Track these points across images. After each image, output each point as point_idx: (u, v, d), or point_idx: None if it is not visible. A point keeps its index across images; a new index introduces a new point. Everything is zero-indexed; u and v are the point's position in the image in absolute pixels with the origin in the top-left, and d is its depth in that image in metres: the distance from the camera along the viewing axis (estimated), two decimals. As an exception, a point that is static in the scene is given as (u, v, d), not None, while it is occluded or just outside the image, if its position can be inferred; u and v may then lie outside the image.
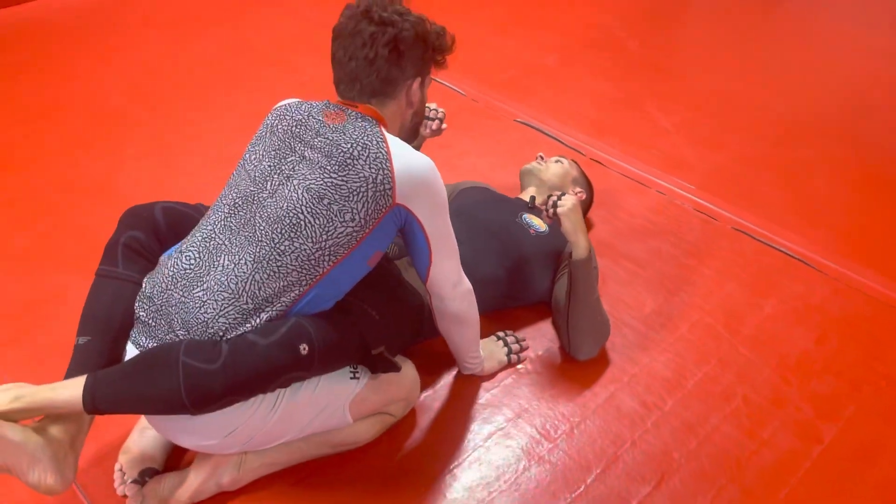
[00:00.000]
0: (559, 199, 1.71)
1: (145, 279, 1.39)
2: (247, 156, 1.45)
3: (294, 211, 1.33)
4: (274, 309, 1.31)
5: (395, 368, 1.47)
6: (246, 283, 1.30)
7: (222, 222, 1.38)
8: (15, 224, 2.21)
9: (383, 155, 1.35)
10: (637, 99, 2.99)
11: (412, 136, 1.58)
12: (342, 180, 1.33)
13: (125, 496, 1.44)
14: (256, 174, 1.40)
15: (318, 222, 1.33)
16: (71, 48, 3.29)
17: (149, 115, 2.79)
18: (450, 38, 1.53)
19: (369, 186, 1.33)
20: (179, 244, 1.41)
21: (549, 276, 1.90)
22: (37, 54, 3.24)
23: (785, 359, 1.82)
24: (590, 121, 2.82)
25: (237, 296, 1.30)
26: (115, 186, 2.39)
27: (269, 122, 1.47)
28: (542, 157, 2.19)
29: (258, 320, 1.30)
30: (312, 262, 1.33)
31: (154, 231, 1.46)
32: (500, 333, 1.84)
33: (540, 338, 1.87)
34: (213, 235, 1.37)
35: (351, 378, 1.46)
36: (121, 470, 1.48)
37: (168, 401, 1.21)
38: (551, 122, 2.80)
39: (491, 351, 1.77)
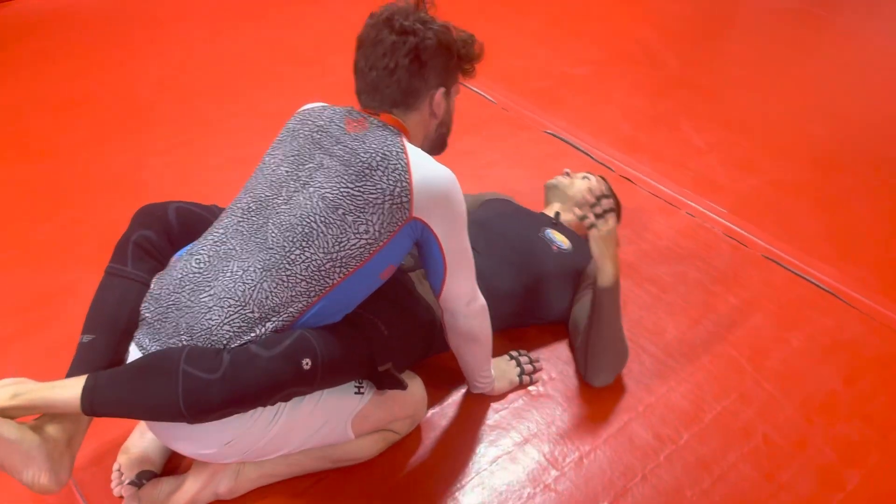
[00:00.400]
0: (601, 215, 1.60)
1: (154, 279, 1.36)
2: (266, 159, 1.42)
3: (308, 219, 1.30)
4: (280, 319, 1.28)
5: (402, 386, 1.43)
6: (253, 290, 1.28)
7: (235, 226, 1.35)
8: (35, 215, 2.22)
9: (402, 166, 1.31)
10: (671, 116, 2.91)
11: (438, 147, 1.54)
12: (359, 191, 1.30)
13: (121, 497, 1.43)
14: (273, 179, 1.37)
15: (331, 232, 1.29)
16: (105, 38, 3.32)
17: (176, 111, 2.79)
18: (478, 46, 1.49)
19: (386, 198, 1.30)
20: (191, 246, 1.38)
21: (569, 295, 1.84)
22: (72, 43, 3.28)
23: (810, 398, 1.75)
24: (621, 136, 2.75)
25: (244, 304, 1.27)
26: (136, 182, 2.39)
27: (290, 125, 1.44)
28: (568, 173, 2.13)
29: (263, 330, 1.27)
30: (323, 273, 1.29)
31: (166, 231, 1.44)
32: (514, 353, 1.79)
33: (555, 359, 1.81)
34: (224, 239, 1.34)
35: (355, 393, 1.43)
36: (119, 470, 1.46)
37: (166, 408, 1.19)
38: (582, 135, 2.74)
39: (503, 371, 1.72)
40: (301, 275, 1.29)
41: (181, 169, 2.46)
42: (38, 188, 2.35)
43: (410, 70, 1.38)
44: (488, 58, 3.20)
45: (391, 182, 1.30)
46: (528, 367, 1.76)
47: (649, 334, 1.90)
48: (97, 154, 2.52)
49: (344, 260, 1.30)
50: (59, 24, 3.46)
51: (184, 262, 1.34)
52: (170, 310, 1.30)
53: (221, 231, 1.36)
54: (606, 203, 1.60)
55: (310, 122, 1.41)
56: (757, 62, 3.45)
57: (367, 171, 1.31)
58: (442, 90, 1.44)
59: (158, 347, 1.27)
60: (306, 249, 1.29)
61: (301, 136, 1.40)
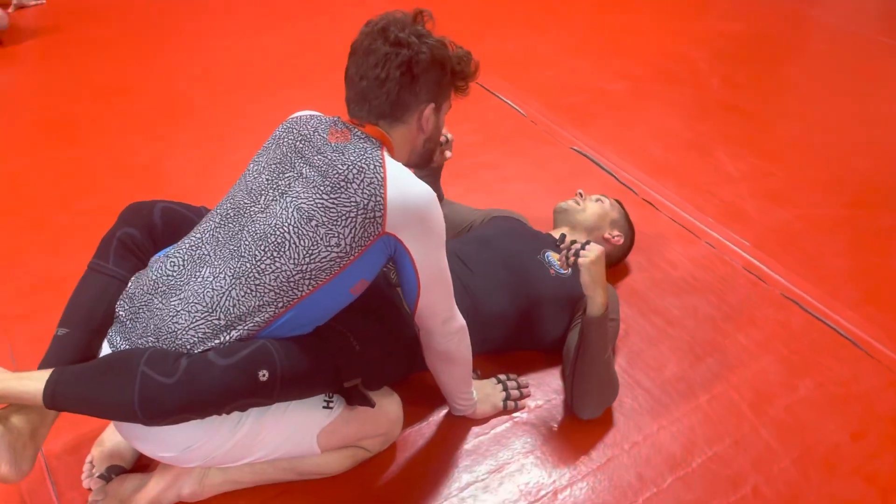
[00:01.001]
0: (583, 246, 1.58)
1: (132, 278, 1.38)
2: (250, 166, 1.42)
3: (281, 229, 1.29)
4: (246, 328, 1.27)
5: (370, 403, 1.41)
6: (222, 297, 1.27)
7: (211, 232, 1.35)
8: (60, 200, 2.29)
9: (378, 180, 1.29)
10: (706, 140, 2.81)
11: (424, 162, 1.51)
12: (333, 203, 1.29)
13: (90, 489, 1.44)
14: (253, 187, 1.37)
15: (302, 243, 1.28)
16: (155, 29, 3.40)
17: (208, 104, 2.84)
18: (474, 64, 1.46)
19: (359, 212, 1.28)
20: (170, 248, 1.39)
21: (564, 322, 1.79)
22: (123, 31, 3.37)
23: (810, 451, 1.65)
24: (650, 158, 2.67)
25: (211, 310, 1.27)
26: (160, 172, 2.44)
27: (277, 133, 1.44)
28: (580, 195, 2.07)
29: (228, 337, 1.26)
30: (292, 284, 1.28)
31: (150, 230, 1.45)
32: (502, 376, 1.75)
33: (544, 386, 1.76)
34: (200, 244, 1.34)
35: (324, 407, 1.41)
36: (91, 462, 1.48)
37: (122, 408, 1.20)
38: (609, 154, 2.67)
39: (487, 394, 1.68)
40: (270, 285, 1.28)
41: (204, 163, 2.50)
42: (65, 174, 2.42)
43: (401, 82, 1.35)
44: (523, 68, 3.18)
45: (365, 195, 1.28)
46: (515, 393, 1.71)
47: (648, 368, 1.83)
48: (126, 143, 2.58)
49: (313, 272, 1.28)
50: (115, 12, 3.56)
51: (160, 263, 1.35)
52: (141, 310, 1.31)
53: (199, 236, 1.36)
54: (581, 240, 1.59)
55: (295, 131, 1.40)
56: (811, 90, 3.30)
57: (342, 184, 1.29)
58: (432, 105, 1.41)
59: (128, 346, 1.28)
60: (277, 259, 1.28)
61: (285, 144, 1.39)
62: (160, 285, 1.32)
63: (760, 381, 1.82)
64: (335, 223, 1.28)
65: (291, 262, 1.28)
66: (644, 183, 2.53)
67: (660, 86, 3.18)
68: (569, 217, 2.01)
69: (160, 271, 1.33)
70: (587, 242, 1.58)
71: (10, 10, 3.42)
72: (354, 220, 1.28)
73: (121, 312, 1.33)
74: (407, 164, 1.46)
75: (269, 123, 1.44)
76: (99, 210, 2.23)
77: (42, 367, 1.30)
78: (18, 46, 3.18)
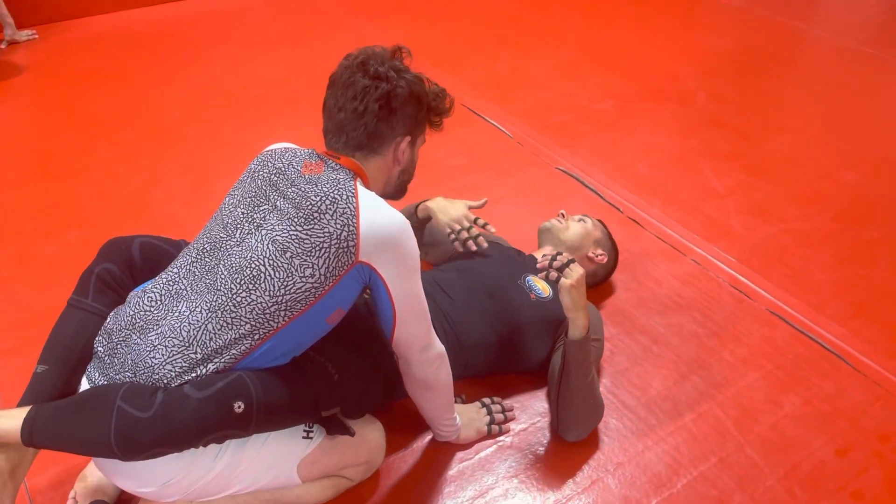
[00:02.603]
0: (566, 264, 1.57)
1: (111, 314, 1.39)
2: (226, 199, 1.44)
3: (256, 262, 1.31)
4: (222, 360, 1.28)
5: (349, 433, 1.42)
6: (198, 332, 1.28)
7: (188, 267, 1.37)
8: (46, 231, 2.31)
9: (351, 210, 1.31)
10: (692, 157, 2.82)
11: (398, 193, 1.53)
12: (306, 234, 1.30)
13: (73, 524, 1.45)
14: (228, 221, 1.39)
15: (277, 276, 1.29)
16: (139, 60, 3.44)
17: (197, 133, 2.86)
18: (448, 101, 1.50)
19: (332, 242, 1.29)
20: (148, 283, 1.40)
21: (548, 345, 1.79)
22: (111, 63, 3.41)
23: (796, 468, 1.64)
24: (636, 176, 2.68)
25: (187, 344, 1.28)
26: (147, 202, 2.46)
27: (252, 166, 1.46)
28: (563, 215, 2.08)
29: (204, 370, 1.27)
30: (267, 315, 1.29)
31: (129, 265, 1.47)
32: (487, 400, 1.75)
33: (529, 409, 1.76)
34: (177, 279, 1.36)
35: (303, 437, 1.42)
36: (74, 498, 1.49)
37: (98, 444, 1.20)
38: (595, 173, 2.68)
39: (471, 419, 1.68)
40: (246, 317, 1.29)
41: (191, 191, 2.52)
42: (53, 205, 2.44)
43: (379, 115, 1.38)
44: (510, 90, 3.20)
45: (338, 226, 1.29)
46: (499, 417, 1.72)
47: (632, 388, 1.83)
48: (115, 174, 2.61)
49: (289, 304, 1.30)
50: (106, 45, 3.60)
51: (137, 298, 1.36)
52: (119, 346, 1.32)
53: (175, 271, 1.37)
54: (562, 258, 1.57)
55: (269, 164, 1.42)
56: (798, 104, 3.32)
57: (315, 215, 1.31)
58: (408, 139, 1.44)
59: (106, 382, 1.29)
60: (252, 292, 1.29)
61: (259, 177, 1.41)
62: (137, 321, 1.33)
63: (746, 398, 1.82)
64: (309, 254, 1.30)
65: (267, 294, 1.29)
66: (630, 201, 2.54)
67: (647, 103, 3.20)
68: (552, 236, 2.02)
69: (137, 307, 1.35)
70: (571, 261, 1.58)
71: (2, 45, 3.47)
72: (328, 250, 1.30)
73: (99, 348, 1.34)
74: (382, 196, 1.48)
75: (257, 151, 1.46)
76: (85, 242, 2.24)
77: (21, 404, 1.31)
78: (9, 81, 3.22)
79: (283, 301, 1.29)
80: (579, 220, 2.06)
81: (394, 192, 1.52)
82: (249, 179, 1.43)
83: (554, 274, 1.55)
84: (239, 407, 1.23)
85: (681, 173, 2.72)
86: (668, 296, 2.13)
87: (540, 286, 1.85)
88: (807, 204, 2.58)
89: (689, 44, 3.78)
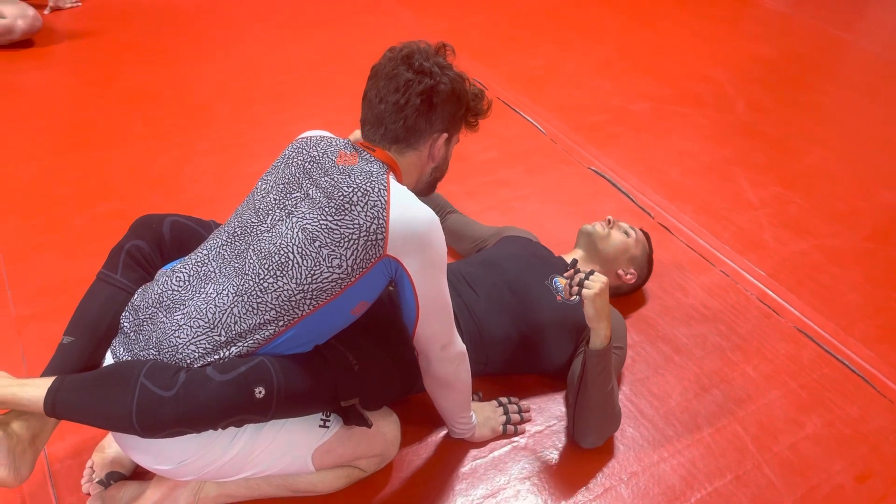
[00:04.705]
0: (587, 276, 1.56)
1: (139, 291, 1.40)
2: (259, 184, 1.44)
3: (285, 249, 1.31)
4: (246, 345, 1.29)
5: (366, 424, 1.42)
6: (224, 314, 1.29)
7: (217, 249, 1.37)
8: (77, 202, 2.33)
9: (382, 203, 1.30)
10: (728, 165, 2.78)
11: (429, 190, 1.53)
12: (336, 224, 1.30)
13: (88, 494, 1.47)
14: (261, 206, 1.39)
15: (305, 264, 1.30)
16: (179, 36, 3.45)
17: (230, 112, 2.87)
18: (486, 103, 1.49)
19: (361, 234, 1.29)
20: (177, 262, 1.41)
21: (569, 348, 1.78)
22: (150, 36, 3.42)
23: (813, 491, 1.62)
24: (669, 182, 2.65)
25: (212, 326, 1.28)
26: (178, 179, 2.47)
27: (287, 152, 1.46)
28: (609, 222, 2.01)
29: (228, 353, 1.28)
30: (293, 303, 1.30)
31: (158, 243, 1.48)
32: (504, 399, 1.74)
33: (546, 411, 1.76)
34: (206, 261, 1.36)
35: (320, 426, 1.42)
36: (91, 467, 1.51)
37: (119, 419, 1.21)
38: (628, 176, 2.65)
39: (487, 417, 1.68)
40: (271, 303, 1.29)
41: (221, 171, 2.53)
42: (85, 176, 2.46)
43: (419, 110, 1.38)
44: (546, 86, 3.17)
45: (368, 218, 1.29)
46: (516, 417, 1.71)
47: (652, 397, 1.81)
48: (148, 148, 2.62)
49: (315, 293, 1.30)
50: (148, 16, 3.61)
51: (166, 277, 1.37)
52: (145, 323, 1.33)
53: (205, 252, 1.38)
54: (583, 269, 1.55)
55: (304, 152, 1.42)
56: (840, 117, 3.24)
57: (346, 206, 1.30)
58: (444, 136, 1.43)
59: (130, 358, 1.30)
60: (280, 279, 1.30)
61: (294, 164, 1.41)
62: (165, 299, 1.34)
63: (766, 415, 1.79)
64: (338, 244, 1.30)
65: (294, 281, 1.29)
66: (661, 206, 2.51)
67: (683, 107, 3.15)
68: (590, 241, 1.98)
69: (165, 285, 1.35)
70: (591, 272, 1.57)
71: (45, 11, 3.49)
72: (357, 241, 1.30)
73: (125, 324, 1.35)
74: (413, 191, 1.48)
75: (288, 134, 1.45)
76: (116, 215, 2.28)
77: (45, 374, 1.33)
78: (51, 48, 3.25)
79: (310, 290, 1.30)
80: (623, 232, 2.00)
81: (424, 189, 1.52)
82: (283, 165, 1.43)
83: (575, 289, 1.53)
84: (260, 392, 1.24)
85: (714, 181, 2.68)
86: (694, 306, 2.10)
87: (563, 291, 1.83)
88: (841, 221, 2.53)
89: (730, 49, 3.72)
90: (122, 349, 1.33)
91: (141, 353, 1.30)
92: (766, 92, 3.34)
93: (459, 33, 3.60)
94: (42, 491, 1.50)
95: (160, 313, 1.32)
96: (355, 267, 1.30)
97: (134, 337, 1.33)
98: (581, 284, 1.54)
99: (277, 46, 3.41)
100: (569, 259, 1.96)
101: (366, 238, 1.30)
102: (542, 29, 3.77)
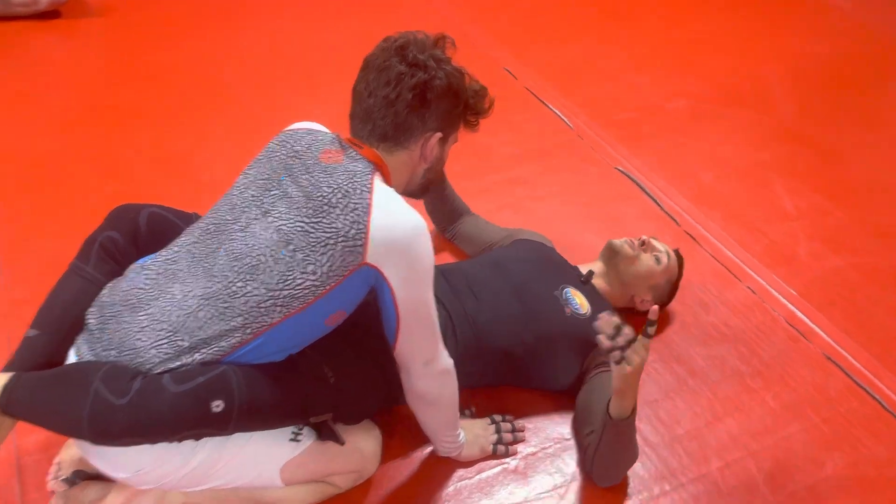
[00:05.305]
0: (629, 345, 1.30)
1: (108, 286, 1.33)
2: (240, 178, 1.36)
3: (258, 251, 1.23)
4: (210, 351, 1.21)
5: (339, 441, 1.33)
6: (188, 318, 1.21)
7: (188, 247, 1.30)
8: (85, 181, 2.29)
9: (363, 207, 1.21)
10: (764, 171, 2.59)
11: (420, 192, 1.43)
12: (313, 227, 1.21)
13: (53, 491, 1.42)
14: (238, 202, 1.31)
15: (278, 268, 1.21)
16: (209, 14, 3.38)
17: (252, 95, 2.79)
18: (489, 101, 1.37)
19: (339, 239, 1.20)
20: (149, 257, 1.34)
21: (575, 366, 1.66)
22: (175, 12, 3.36)
23: (828, 541, 1.49)
24: (700, 186, 2.49)
25: (175, 330, 1.21)
26: (192, 161, 2.41)
27: (271, 146, 1.37)
28: (643, 243, 1.82)
29: (191, 360, 1.20)
30: (262, 310, 1.21)
31: (133, 236, 1.41)
32: (497, 417, 1.64)
33: (542, 432, 1.65)
34: (177, 259, 1.29)
35: (291, 440, 1.34)
36: (58, 464, 1.45)
37: (71, 424, 1.16)
38: (656, 178, 2.50)
39: (476, 435, 1.57)
40: (239, 309, 1.21)
41: (234, 155, 2.42)
42: (97, 155, 2.42)
43: (411, 106, 1.28)
44: (578, 78, 3.00)
45: (347, 222, 1.20)
46: (508, 437, 1.60)
47: (659, 423, 1.69)
48: (163, 129, 2.57)
49: (286, 300, 1.21)
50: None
51: (134, 273, 1.31)
52: (110, 321, 1.26)
53: (176, 249, 1.31)
54: (627, 334, 1.30)
55: (288, 146, 1.33)
56: (894, 126, 3.01)
57: (325, 208, 1.21)
58: (439, 135, 1.32)
59: (92, 357, 1.24)
60: (249, 283, 1.21)
61: (276, 159, 1.32)
62: (131, 297, 1.27)
63: (784, 451, 1.65)
64: (313, 249, 1.21)
65: (264, 286, 1.21)
66: (689, 213, 2.35)
67: (723, 107, 2.96)
68: (613, 258, 1.82)
69: (133, 282, 1.29)
70: (632, 340, 1.31)
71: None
72: (334, 247, 1.21)
73: (90, 320, 1.29)
74: (403, 193, 1.38)
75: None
76: (124, 196, 2.18)
77: (7, 368, 1.28)
78: (77, 21, 3.21)
79: (281, 296, 1.21)
80: (654, 258, 1.82)
81: (416, 191, 1.42)
82: (266, 160, 1.34)
83: (618, 355, 1.30)
84: (218, 406, 1.16)
85: (749, 188, 2.51)
86: (714, 324, 1.96)
87: (578, 301, 1.71)
88: (884, 237, 2.34)
89: (780, 45, 3.48)
90: (85, 347, 1.26)
91: (103, 354, 1.23)
92: (815, 93, 3.12)
93: (491, 18, 3.46)
94: (7, 485, 1.45)
95: (125, 312, 1.25)
96: (331, 274, 1.21)
97: (98, 335, 1.26)
98: (624, 348, 1.30)
99: (308, 28, 3.32)
100: (584, 270, 1.83)
101: (344, 244, 1.20)
102: (580, 18, 3.60)
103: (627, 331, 1.30)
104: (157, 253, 1.33)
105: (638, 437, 1.64)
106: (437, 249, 2.08)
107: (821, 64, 3.37)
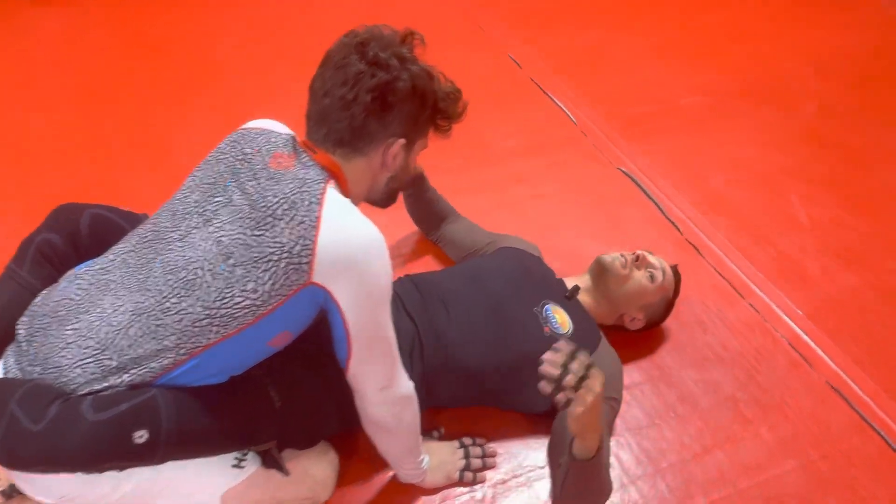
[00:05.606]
0: (580, 382, 1.17)
1: (42, 293, 1.24)
2: (186, 181, 1.25)
3: (195, 264, 1.12)
4: (140, 373, 1.11)
5: (282, 471, 1.24)
6: (116, 335, 1.12)
7: (123, 256, 1.20)
8: (58, 163, 2.21)
9: (311, 220, 1.10)
10: (781, 176, 2.43)
11: (386, 201, 1.31)
12: (255, 240, 1.10)
13: (-11, 505, 1.34)
14: (180, 208, 1.20)
15: (216, 284, 1.11)
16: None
17: (242, 72, 2.69)
18: (461, 104, 1.25)
19: (283, 255, 1.09)
20: (84, 264, 1.24)
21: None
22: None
23: None
24: (708, 191, 2.34)
25: (103, 348, 1.11)
26: (168, 144, 2.32)
27: (222, 145, 1.27)
28: (636, 258, 1.68)
29: (119, 381, 1.11)
30: (197, 329, 1.11)
31: (73, 239, 1.32)
32: (467, 440, 1.53)
33: (514, 458, 1.54)
34: (111, 268, 1.19)
35: (233, 465, 1.25)
36: (-5, 477, 1.38)
37: (-16, 447, 1.06)
38: (662, 181, 2.35)
39: (442, 461, 1.47)
40: (172, 327, 1.11)
41: (215, 139, 2.35)
42: (73, 133, 2.34)
43: (369, 109, 1.16)
44: (588, 69, 2.83)
45: (293, 237, 1.09)
46: (477, 463, 1.50)
47: (641, 452, 1.57)
48: (145, 107, 2.49)
49: (223, 319, 1.11)
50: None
51: (67, 282, 1.21)
52: (37, 334, 1.17)
53: (111, 257, 1.21)
54: (578, 366, 1.18)
55: (238, 147, 1.22)
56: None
57: (269, 220, 1.11)
58: (402, 142, 1.20)
59: (18, 372, 1.15)
60: (184, 299, 1.11)
61: (224, 161, 1.21)
62: (60, 309, 1.17)
63: (776, 491, 1.53)
64: (254, 265, 1.10)
65: (200, 303, 1.11)
66: (693, 220, 2.21)
67: (743, 104, 2.79)
68: (602, 275, 1.67)
69: (65, 293, 1.19)
70: (582, 378, 1.18)
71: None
72: (276, 263, 1.10)
73: (20, 331, 1.20)
74: (367, 202, 1.27)
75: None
76: (97, 180, 2.14)
77: (-69, 378, 1.19)
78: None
79: (217, 315, 1.11)
80: (648, 276, 1.68)
81: (381, 200, 1.30)
82: (214, 162, 1.24)
83: (563, 397, 1.19)
84: (141, 437, 1.07)
85: (762, 195, 2.35)
86: (711, 345, 1.83)
87: (558, 318, 1.58)
88: (908, 254, 2.18)
89: (810, 39, 3.28)
90: (12, 360, 1.17)
91: (28, 369, 1.14)
92: (845, 93, 2.93)
93: (501, 0, 3.30)
94: (-60, 495, 1.38)
95: (53, 325, 1.16)
96: (273, 293, 1.11)
97: (25, 347, 1.17)
98: (576, 387, 1.18)
99: (310, 7, 3.19)
100: (570, 284, 1.71)
101: (288, 260, 1.10)
102: (596, 2, 3.42)
103: (577, 366, 1.18)
104: (94, 260, 1.23)
105: (618, 467, 1.54)
106: (420, 254, 1.98)
107: (849, 59, 3.17)
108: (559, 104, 2.66)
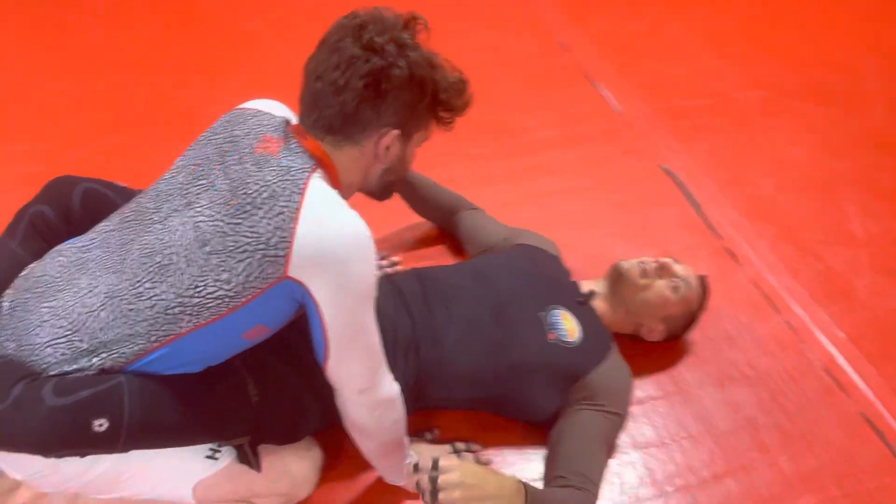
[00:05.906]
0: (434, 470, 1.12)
1: (28, 267, 1.22)
2: (177, 161, 1.21)
3: (171, 249, 1.09)
4: (110, 357, 1.09)
5: (255, 468, 1.20)
6: (88, 317, 1.09)
7: (105, 235, 1.17)
8: (86, 132, 2.21)
9: (290, 211, 1.04)
10: (838, 183, 2.26)
11: (382, 193, 1.25)
12: (232, 229, 1.06)
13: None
14: (164, 188, 1.17)
15: (190, 271, 1.07)
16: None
17: (274, 50, 2.63)
18: (467, 95, 1.17)
19: (258, 247, 1.04)
20: (69, 241, 1.22)
21: (555, 398, 1.46)
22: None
23: None
24: (755, 196, 2.18)
25: (75, 329, 1.09)
26: (199, 118, 2.26)
27: (216, 125, 1.23)
28: (658, 266, 1.57)
29: (88, 364, 1.08)
30: (169, 317, 1.08)
31: (65, 212, 1.30)
32: (461, 445, 1.47)
33: (510, 465, 1.47)
34: (91, 247, 1.17)
35: (207, 456, 1.21)
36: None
37: (-50, 423, 1.06)
38: (706, 182, 2.21)
39: (431, 465, 1.41)
40: (144, 313, 1.08)
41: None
42: (104, 105, 2.34)
43: (362, 96, 1.09)
44: (638, 56, 2.69)
45: (270, 228, 1.04)
46: (469, 469, 1.43)
47: (646, 473, 1.48)
48: (177, 80, 2.47)
49: (196, 308, 1.07)
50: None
51: (50, 258, 1.19)
52: (18, 308, 1.15)
53: (93, 236, 1.19)
54: (444, 480, 1.11)
55: (230, 128, 1.18)
56: None
57: (248, 208, 1.06)
58: (396, 133, 1.13)
59: (-2, 344, 1.14)
60: (158, 284, 1.08)
61: (215, 142, 1.17)
62: (40, 285, 1.15)
63: (788, 529, 1.42)
64: (230, 254, 1.06)
65: (173, 290, 1.07)
66: (736, 227, 2.07)
67: (803, 101, 2.60)
68: (619, 283, 1.57)
69: (47, 269, 1.17)
70: (434, 472, 1.12)
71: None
72: (252, 255, 1.05)
73: (4, 303, 1.18)
74: (361, 191, 1.21)
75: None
76: (122, 149, 2.14)
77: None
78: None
79: (190, 304, 1.07)
80: (672, 286, 1.56)
81: (376, 192, 1.24)
82: (205, 142, 1.20)
83: (427, 488, 1.12)
84: (101, 425, 1.04)
85: (814, 202, 2.18)
86: (736, 362, 1.71)
87: (566, 325, 1.50)
88: (970, 278, 1.99)
89: (885, 33, 3.04)
90: (-5, 332, 1.16)
91: (5, 343, 1.13)
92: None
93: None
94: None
95: (32, 300, 1.14)
96: (247, 286, 1.06)
97: (5, 322, 1.15)
98: (433, 487, 1.11)
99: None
100: (586, 288, 1.61)
101: (263, 252, 1.05)
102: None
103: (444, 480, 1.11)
104: (79, 237, 1.21)
105: (617, 484, 1.45)
106: (432, 242, 1.90)
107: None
108: (604, 93, 2.53)
